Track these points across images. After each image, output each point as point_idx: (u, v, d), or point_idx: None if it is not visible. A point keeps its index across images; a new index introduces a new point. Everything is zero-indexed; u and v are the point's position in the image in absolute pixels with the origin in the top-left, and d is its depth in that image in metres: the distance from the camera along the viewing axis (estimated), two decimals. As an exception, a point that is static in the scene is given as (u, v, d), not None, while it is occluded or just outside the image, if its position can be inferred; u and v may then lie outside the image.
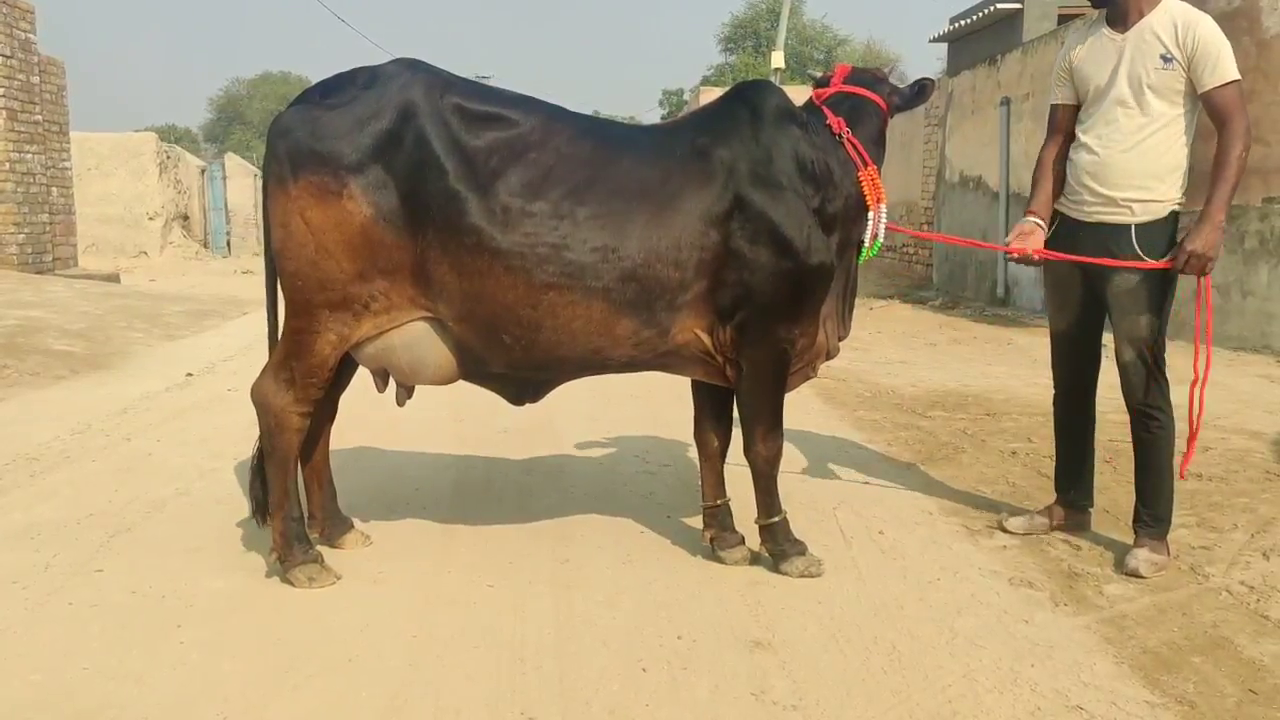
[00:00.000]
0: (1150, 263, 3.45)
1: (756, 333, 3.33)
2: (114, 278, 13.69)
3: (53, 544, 3.74)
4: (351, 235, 3.18)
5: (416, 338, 3.35)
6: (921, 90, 3.69)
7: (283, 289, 3.33)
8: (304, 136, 3.19)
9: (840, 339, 3.67)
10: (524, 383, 3.54)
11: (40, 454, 5.06)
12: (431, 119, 3.18)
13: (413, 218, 3.18)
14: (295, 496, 3.44)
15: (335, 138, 3.16)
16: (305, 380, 3.33)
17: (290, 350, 3.34)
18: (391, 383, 3.55)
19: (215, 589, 3.35)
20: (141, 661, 2.83)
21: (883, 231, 3.51)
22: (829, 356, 3.63)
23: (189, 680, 2.73)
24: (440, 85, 3.26)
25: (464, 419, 5.79)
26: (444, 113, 3.20)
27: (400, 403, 3.63)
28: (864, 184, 3.44)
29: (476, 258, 3.17)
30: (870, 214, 3.48)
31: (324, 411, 3.60)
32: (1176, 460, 3.61)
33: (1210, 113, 3.44)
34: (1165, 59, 3.42)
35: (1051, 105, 3.79)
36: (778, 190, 3.31)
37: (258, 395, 3.40)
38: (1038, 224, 3.65)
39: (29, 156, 12.34)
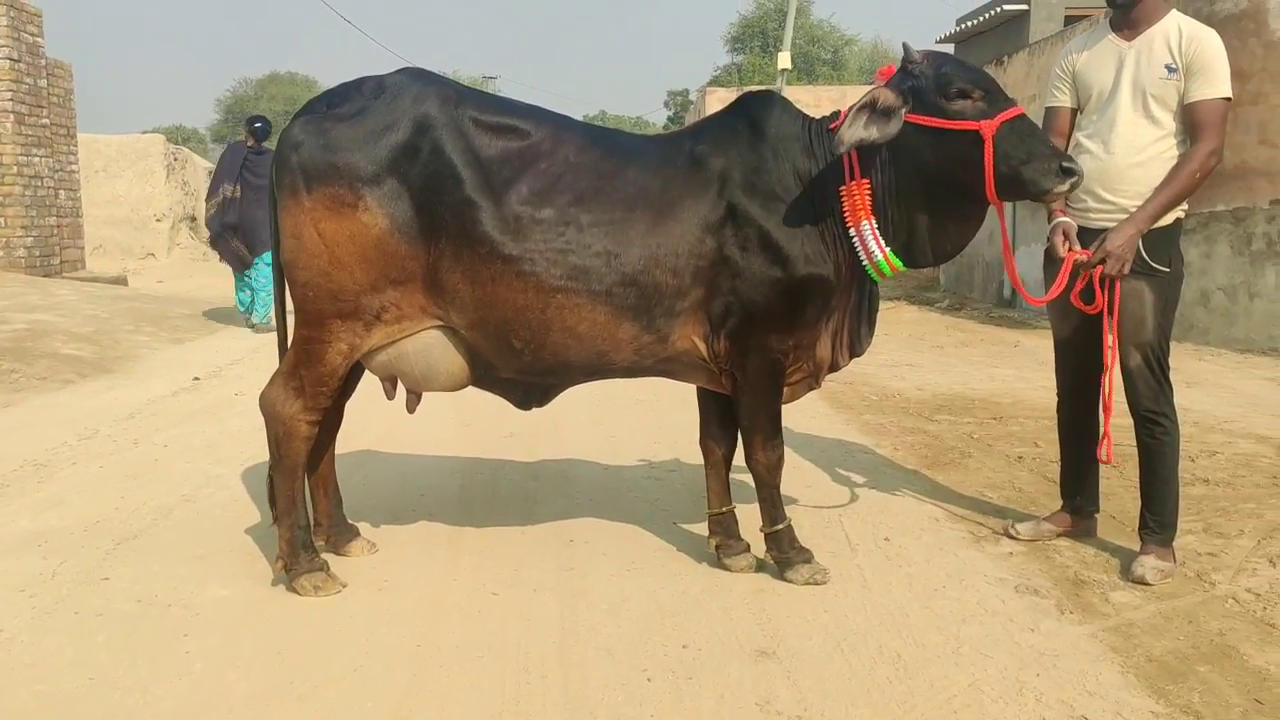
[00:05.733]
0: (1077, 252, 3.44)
1: (749, 342, 3.33)
2: (121, 280, 13.70)
3: (59, 551, 3.75)
4: (366, 247, 3.20)
5: (428, 345, 3.38)
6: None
7: (293, 299, 3.34)
8: (317, 148, 3.20)
9: (855, 355, 3.56)
10: (531, 387, 3.56)
11: (48, 459, 5.07)
12: (448, 131, 3.22)
13: (427, 228, 3.21)
14: (302, 504, 3.45)
15: (350, 149, 3.19)
16: (315, 389, 3.34)
17: (300, 359, 3.35)
18: (400, 389, 3.57)
19: (221, 597, 3.36)
20: (147, 672, 2.83)
21: (877, 251, 3.27)
22: (833, 369, 3.59)
23: (194, 691, 2.73)
24: (454, 97, 3.30)
25: (470, 423, 5.80)
26: (459, 124, 3.24)
27: (410, 409, 3.66)
28: (843, 199, 3.31)
29: (490, 265, 3.20)
30: (853, 233, 3.29)
31: (330, 418, 3.61)
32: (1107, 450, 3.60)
33: (1189, 124, 3.42)
34: (1170, 69, 3.41)
35: (1049, 108, 3.77)
36: (770, 199, 3.29)
37: (266, 404, 3.41)
38: (1071, 221, 3.56)
39: (36, 160, 12.37)
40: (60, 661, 2.89)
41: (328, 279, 3.23)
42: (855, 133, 3.16)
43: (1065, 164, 3.17)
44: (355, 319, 3.27)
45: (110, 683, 2.77)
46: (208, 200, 10.48)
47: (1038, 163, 3.15)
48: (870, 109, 3.19)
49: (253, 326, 10.29)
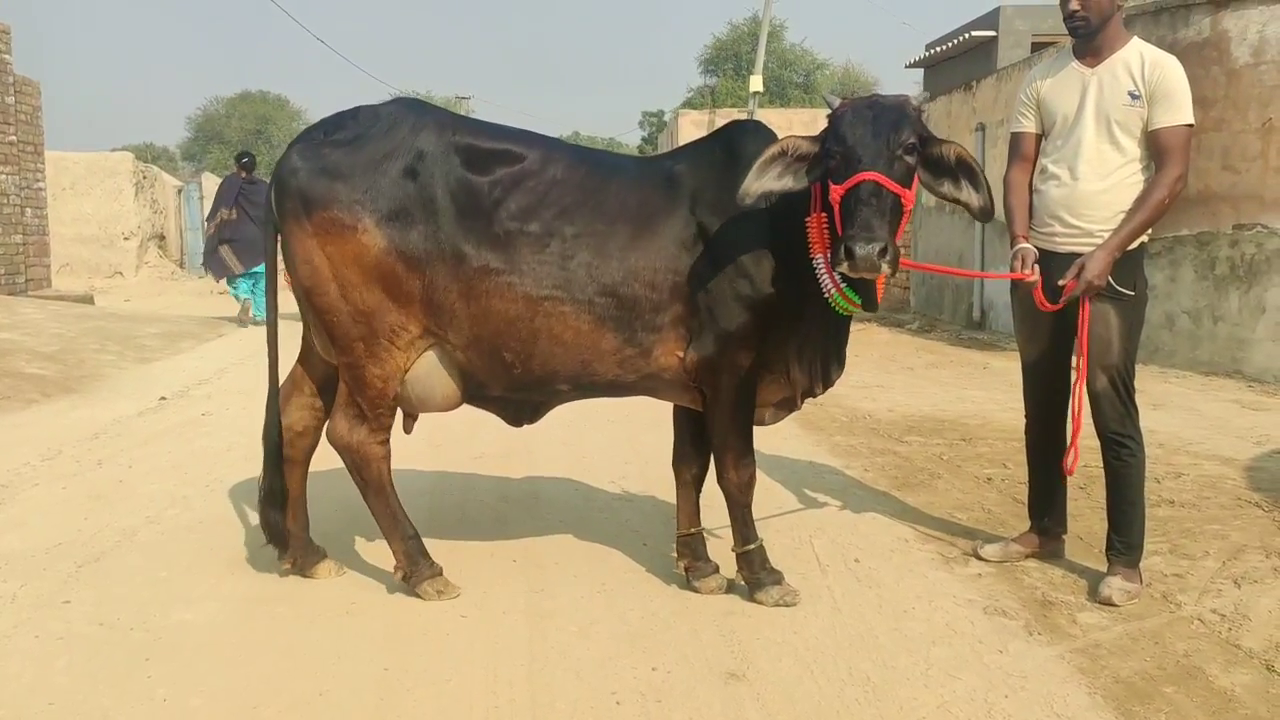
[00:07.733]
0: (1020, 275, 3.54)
1: (719, 359, 3.37)
2: (88, 299, 13.56)
3: (20, 574, 3.69)
4: (368, 268, 3.27)
5: (427, 368, 3.45)
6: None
7: (323, 327, 3.40)
8: (315, 173, 3.28)
9: (826, 385, 3.58)
10: (521, 404, 3.62)
11: (9, 480, 4.99)
12: (443, 155, 3.32)
13: (425, 250, 3.29)
14: (404, 516, 3.54)
15: (348, 174, 3.27)
16: (374, 410, 3.43)
17: (351, 386, 3.42)
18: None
19: (185, 620, 3.32)
20: (108, 697, 2.78)
21: (830, 285, 3.24)
22: (808, 395, 3.61)
23: (156, 717, 2.69)
24: (449, 124, 3.41)
25: (440, 444, 5.75)
26: (454, 149, 3.33)
27: (407, 430, 3.72)
28: (809, 230, 3.29)
29: (483, 279, 3.30)
30: (814, 261, 3.27)
31: (308, 441, 3.69)
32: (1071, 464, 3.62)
33: (1154, 151, 3.47)
34: (1133, 95, 3.46)
35: (1015, 133, 3.81)
36: (738, 220, 3.33)
37: (334, 437, 3.50)
38: (1032, 248, 3.61)
39: (3, 178, 12.24)
40: (19, 686, 2.84)
41: (344, 301, 3.32)
42: (764, 184, 3.15)
43: (848, 244, 2.95)
44: (377, 340, 3.34)
45: (71, 708, 2.72)
46: (209, 223, 12.56)
47: (842, 236, 3.03)
48: (782, 158, 3.18)
49: (255, 320, 12.03)
